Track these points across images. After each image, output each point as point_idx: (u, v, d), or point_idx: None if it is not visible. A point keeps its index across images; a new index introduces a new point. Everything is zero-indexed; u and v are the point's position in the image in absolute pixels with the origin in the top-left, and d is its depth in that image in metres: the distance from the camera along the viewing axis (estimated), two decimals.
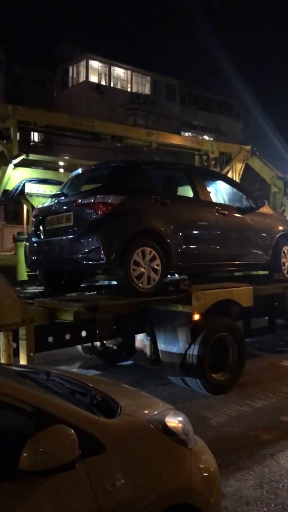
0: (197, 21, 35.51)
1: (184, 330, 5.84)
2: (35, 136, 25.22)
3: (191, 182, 6.43)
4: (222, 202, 7.06)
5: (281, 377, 6.89)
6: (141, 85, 35.89)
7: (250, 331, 7.54)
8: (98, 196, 5.35)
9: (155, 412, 2.63)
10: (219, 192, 7.14)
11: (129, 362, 7.57)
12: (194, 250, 6.17)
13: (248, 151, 10.16)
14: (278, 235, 7.34)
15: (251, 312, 7.14)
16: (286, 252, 7.52)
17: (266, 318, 7.91)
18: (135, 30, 43.25)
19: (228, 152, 9.93)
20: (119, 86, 35.23)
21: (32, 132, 18.98)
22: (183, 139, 9.05)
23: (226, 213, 6.57)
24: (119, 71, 35.35)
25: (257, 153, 10.38)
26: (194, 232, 6.23)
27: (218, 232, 6.43)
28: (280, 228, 7.46)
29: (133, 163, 6.20)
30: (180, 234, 5.92)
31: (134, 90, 35.32)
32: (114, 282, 6.61)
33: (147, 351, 6.29)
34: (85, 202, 5.38)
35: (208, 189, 6.69)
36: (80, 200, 5.45)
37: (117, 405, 2.52)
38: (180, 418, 2.67)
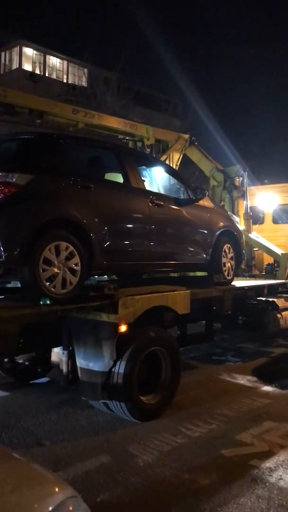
0: (137, 15, 34.55)
1: (108, 343, 4.77)
2: None
3: (121, 165, 5.36)
4: (157, 191, 6.04)
5: (220, 395, 5.98)
6: (77, 76, 34.61)
7: (186, 339, 6.60)
8: None
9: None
10: (153, 179, 6.13)
11: (44, 380, 6.39)
12: (122, 246, 5.12)
13: (187, 140, 9.28)
14: (218, 232, 6.44)
15: (187, 317, 6.18)
16: (227, 251, 6.64)
17: (203, 322, 7.02)
18: (72, 18, 41.55)
19: (165, 140, 9.00)
20: (54, 76, 33.76)
21: None
22: (115, 120, 7.98)
23: (162, 204, 5.56)
24: (55, 61, 33.92)
25: (196, 143, 9.52)
26: (124, 224, 5.16)
27: (152, 226, 5.41)
28: (221, 223, 6.56)
29: (48, 135, 5.02)
30: (106, 226, 4.85)
31: (70, 81, 33.98)
32: None
33: (64, 367, 5.15)
34: None
35: (142, 175, 5.65)
36: None
37: None
38: None
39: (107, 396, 4.86)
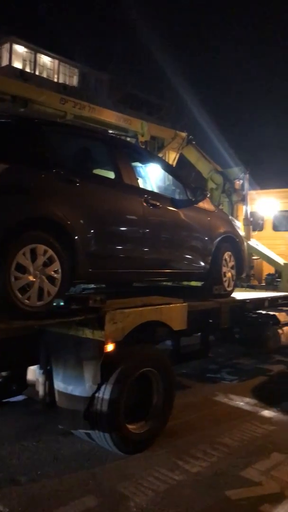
0: (130, 16, 34.05)
1: (92, 364, 4.06)
2: None
3: (113, 159, 4.67)
4: (152, 190, 5.36)
5: (219, 420, 5.30)
6: (68, 76, 34.11)
7: (179, 355, 5.91)
8: None
9: None
10: (148, 177, 5.45)
11: (20, 398, 5.64)
12: (111, 251, 4.43)
13: (184, 138, 8.65)
14: (219, 238, 5.78)
15: (181, 331, 5.49)
16: (228, 259, 5.98)
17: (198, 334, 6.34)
18: (64, 17, 40.89)
19: (161, 138, 8.38)
20: (45, 75, 33.19)
21: None
22: (108, 113, 7.33)
23: (158, 204, 4.89)
24: (45, 59, 33.40)
25: (194, 142, 8.88)
26: (113, 226, 4.47)
27: (146, 230, 4.73)
28: (222, 229, 5.90)
29: (28, 120, 4.32)
30: (93, 228, 4.16)
31: (61, 81, 33.41)
32: None
33: (40, 389, 4.43)
34: None
35: (136, 171, 4.98)
36: None
37: None
38: None
39: (89, 426, 4.16)
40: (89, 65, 24.61)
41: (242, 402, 6.00)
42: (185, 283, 7.02)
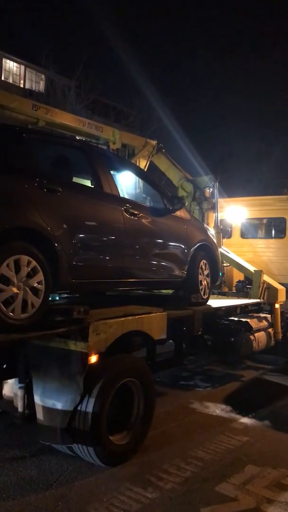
0: (99, 22, 34.01)
1: (74, 377, 4.00)
2: None
3: (92, 167, 4.62)
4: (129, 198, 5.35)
5: (192, 431, 5.25)
6: (35, 82, 33.60)
7: (156, 364, 5.88)
8: None
9: None
10: (123, 186, 5.43)
11: None
12: (93, 261, 4.37)
13: (154, 146, 8.68)
14: (195, 246, 5.81)
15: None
16: (203, 267, 6.02)
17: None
18: (31, 22, 40.35)
19: (132, 145, 8.37)
20: (10, 80, 32.56)
21: None
22: (79, 120, 7.24)
23: (137, 213, 4.87)
24: (11, 65, 32.74)
25: (163, 150, 8.93)
26: (94, 236, 4.42)
27: (126, 239, 4.70)
28: (198, 237, 5.93)
29: (7, 127, 4.21)
30: (75, 238, 4.10)
31: (27, 87, 32.89)
32: None
33: (19, 404, 4.31)
34: None
35: (115, 179, 4.95)
36: None
37: None
38: None
39: (70, 440, 4.07)
40: (56, 71, 24.31)
41: (218, 410, 6.04)
42: (155, 291, 7.01)
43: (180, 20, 44.26)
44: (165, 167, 8.92)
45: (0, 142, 3.88)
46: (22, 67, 33.28)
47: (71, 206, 4.14)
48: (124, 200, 4.91)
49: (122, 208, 4.67)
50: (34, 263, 3.65)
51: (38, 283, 3.69)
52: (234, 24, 46.01)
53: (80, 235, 4.17)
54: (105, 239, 4.49)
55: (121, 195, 5.37)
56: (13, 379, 4.38)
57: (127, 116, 27.99)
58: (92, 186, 4.79)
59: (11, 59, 32.67)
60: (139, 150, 8.35)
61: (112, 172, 4.97)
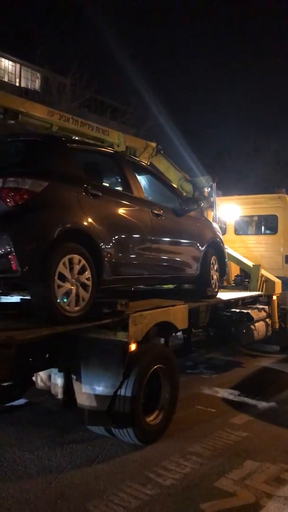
0: (94, 20, 33.88)
1: (115, 364, 4.41)
2: None
3: (122, 174, 5.05)
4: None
5: (191, 424, 5.31)
6: (31, 80, 33.34)
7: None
8: (9, 179, 3.71)
9: None
10: (146, 189, 5.85)
11: (21, 402, 5.80)
12: (128, 259, 4.80)
13: (154, 148, 9.07)
14: (207, 243, 6.30)
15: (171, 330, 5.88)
16: (213, 262, 6.52)
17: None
18: (27, 20, 39.87)
19: (133, 148, 8.73)
20: (6, 79, 32.24)
21: None
22: (89, 125, 7.56)
23: (161, 214, 5.32)
24: (6, 63, 32.41)
25: (162, 151, 9.34)
26: (129, 235, 4.85)
27: (152, 238, 5.14)
28: (210, 235, 6.44)
29: (54, 138, 4.60)
30: (114, 238, 4.52)
31: (23, 85, 32.64)
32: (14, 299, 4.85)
33: (58, 392, 4.70)
34: None
35: (141, 184, 5.38)
36: None
37: None
38: None
39: (111, 422, 4.49)
40: (51, 68, 24.27)
41: (227, 393, 6.51)
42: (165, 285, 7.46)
43: (174, 16, 44.55)
44: (164, 168, 9.32)
45: (49, 151, 4.25)
46: (18, 65, 32.96)
47: (110, 209, 4.56)
48: (150, 203, 5.34)
49: (149, 210, 5.11)
50: (83, 261, 4.06)
51: (87, 279, 4.10)
52: (230, 20, 46.23)
53: (118, 235, 4.58)
54: (137, 238, 4.92)
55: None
56: (45, 371, 4.74)
57: (123, 113, 28.08)
58: (121, 190, 5.19)
59: (6, 58, 32.35)
60: (140, 152, 8.72)
61: (138, 176, 5.39)
